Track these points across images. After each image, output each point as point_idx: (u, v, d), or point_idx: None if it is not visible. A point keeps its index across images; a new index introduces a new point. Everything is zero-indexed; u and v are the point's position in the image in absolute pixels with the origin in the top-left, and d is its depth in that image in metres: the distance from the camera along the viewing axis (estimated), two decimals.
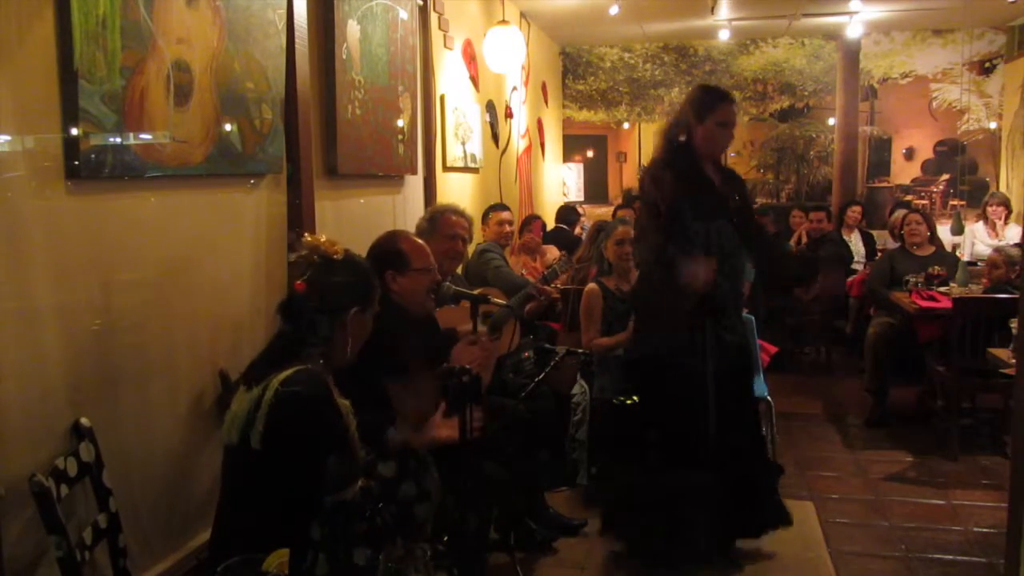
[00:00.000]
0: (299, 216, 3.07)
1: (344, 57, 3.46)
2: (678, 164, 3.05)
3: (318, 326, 1.99)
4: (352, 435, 1.96)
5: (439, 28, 4.85)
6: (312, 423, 1.86)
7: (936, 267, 5.07)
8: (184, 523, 2.47)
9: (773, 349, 4.57)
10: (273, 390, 1.84)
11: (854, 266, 6.76)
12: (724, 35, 8.00)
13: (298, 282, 2.03)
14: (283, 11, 2.90)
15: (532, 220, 6.06)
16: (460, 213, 3.49)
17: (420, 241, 2.83)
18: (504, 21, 5.68)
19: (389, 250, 2.70)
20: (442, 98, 4.88)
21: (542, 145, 8.08)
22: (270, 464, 1.83)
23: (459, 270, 4.02)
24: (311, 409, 1.86)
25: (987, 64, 8.32)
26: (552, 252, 5.69)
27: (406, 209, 4.23)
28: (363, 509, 1.81)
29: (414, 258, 2.70)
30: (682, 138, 3.09)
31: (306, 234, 2.19)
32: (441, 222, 3.42)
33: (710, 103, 3.08)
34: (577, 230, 7.23)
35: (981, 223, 6.89)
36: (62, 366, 2.02)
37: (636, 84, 9.11)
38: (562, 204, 7.79)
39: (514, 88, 6.75)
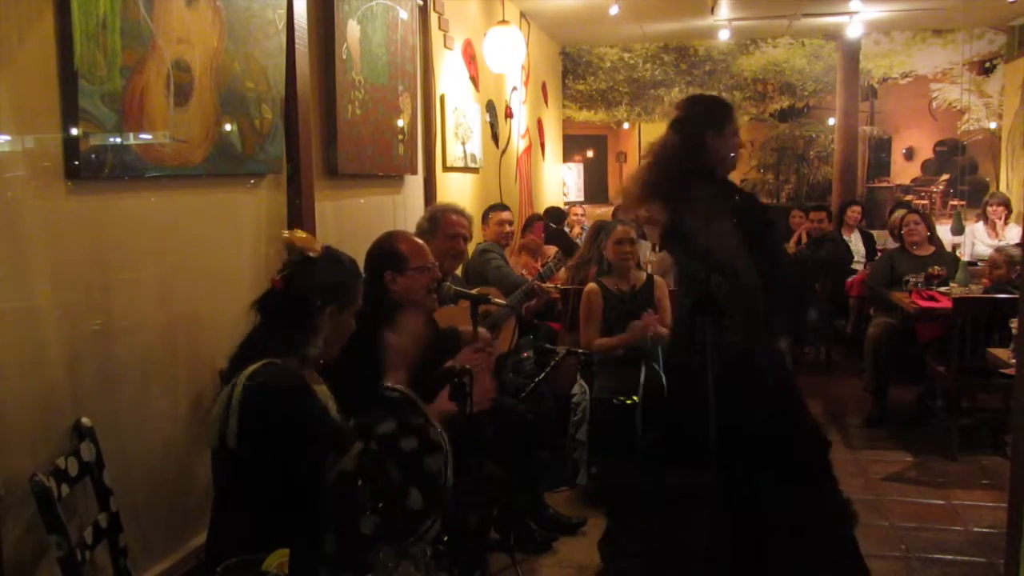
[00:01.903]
0: (299, 216, 3.07)
1: (344, 57, 3.46)
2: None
3: (293, 324, 1.97)
4: (329, 416, 1.95)
5: (439, 28, 4.85)
6: (282, 412, 1.84)
7: (936, 267, 5.07)
8: (184, 523, 2.47)
9: None
10: (241, 386, 1.83)
11: (854, 266, 6.76)
12: (724, 35, 8.00)
13: (275, 277, 2.03)
14: (283, 11, 2.90)
15: (534, 221, 6.05)
16: (460, 212, 3.49)
17: (418, 240, 2.82)
18: (504, 21, 5.69)
19: (387, 251, 2.69)
20: (442, 98, 4.88)
21: (542, 145, 8.08)
22: (249, 460, 1.83)
23: (459, 270, 4.02)
24: (279, 399, 1.85)
25: (987, 64, 8.32)
26: (553, 252, 5.69)
27: (406, 209, 4.24)
28: (363, 472, 1.78)
29: (412, 257, 2.69)
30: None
31: (285, 231, 2.17)
32: (442, 222, 3.42)
33: (727, 113, 2.93)
34: (576, 230, 7.23)
35: (981, 223, 6.89)
36: (62, 366, 2.02)
37: (636, 84, 9.11)
38: (549, 206, 7.77)
39: (514, 88, 6.75)
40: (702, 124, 2.86)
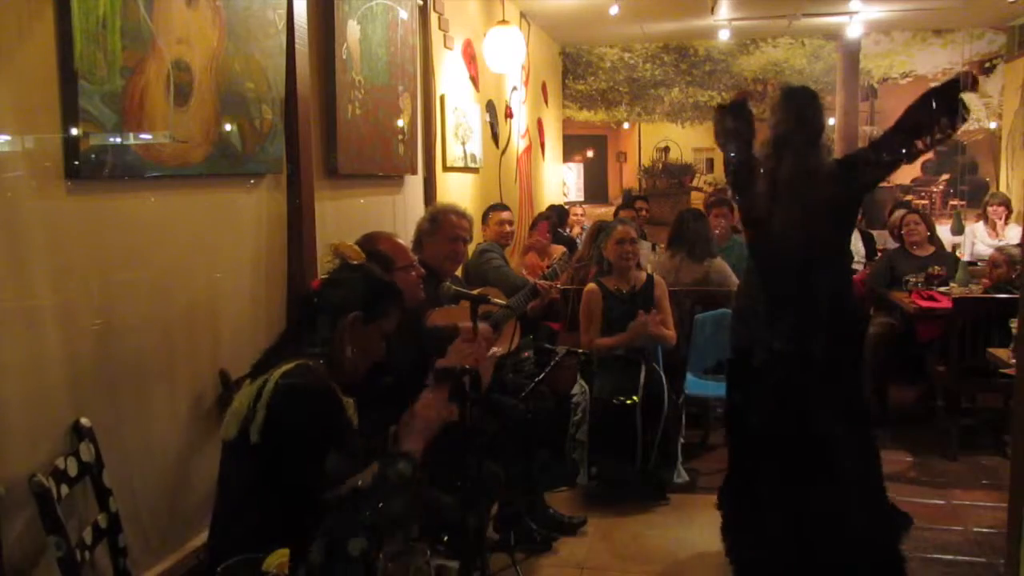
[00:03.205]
0: (299, 216, 3.07)
1: (344, 57, 3.46)
2: None
3: (318, 323, 2.00)
4: (353, 431, 1.97)
5: (439, 28, 4.85)
6: (311, 416, 1.86)
7: (936, 267, 5.07)
8: (184, 523, 2.47)
9: None
10: (273, 382, 1.84)
11: (854, 266, 6.75)
12: (724, 35, 8.00)
13: (315, 280, 2.07)
14: (283, 11, 2.90)
15: (539, 221, 6.06)
16: (462, 215, 3.49)
17: (399, 240, 2.85)
18: (504, 21, 5.69)
19: (370, 253, 2.70)
20: (442, 98, 4.88)
21: (542, 145, 8.08)
22: (268, 457, 1.83)
23: (459, 271, 4.02)
24: (310, 402, 1.86)
25: (987, 64, 8.32)
26: (560, 252, 5.67)
27: (406, 209, 4.23)
28: (360, 503, 1.80)
29: (396, 257, 2.72)
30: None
31: (333, 240, 2.22)
32: (444, 223, 3.41)
33: None
34: (576, 230, 7.22)
35: (981, 223, 6.89)
36: (62, 366, 2.02)
37: (636, 84, 9.11)
38: (551, 204, 7.76)
39: (514, 88, 6.75)
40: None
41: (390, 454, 1.91)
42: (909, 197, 8.38)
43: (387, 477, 1.84)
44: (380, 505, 1.79)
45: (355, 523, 1.76)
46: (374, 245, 2.74)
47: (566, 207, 7.62)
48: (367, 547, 1.74)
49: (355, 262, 2.12)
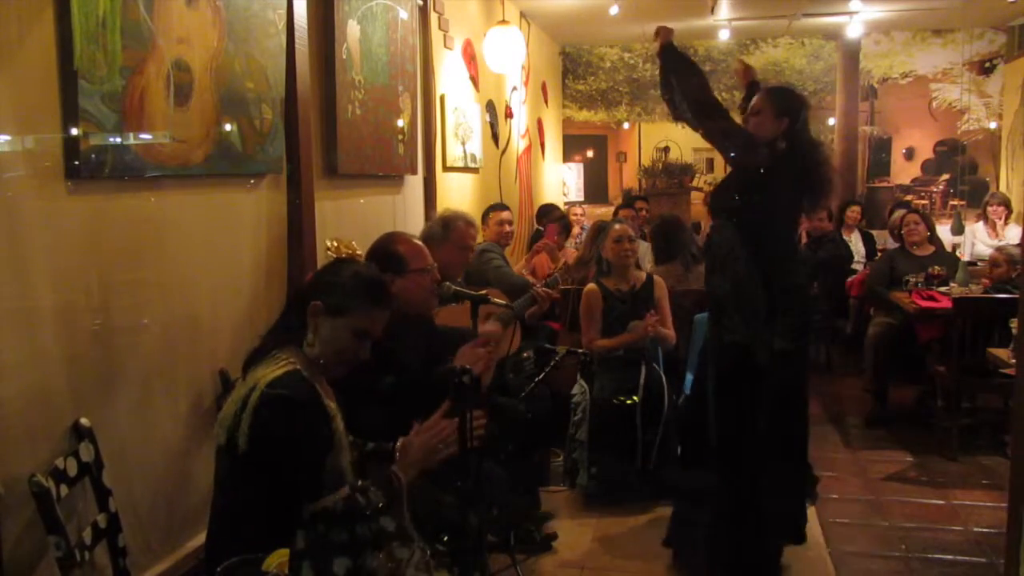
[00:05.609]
0: (299, 216, 3.07)
1: (344, 57, 3.46)
2: None
3: (291, 312, 2.03)
4: (339, 439, 1.96)
5: (439, 28, 4.85)
6: (294, 428, 1.84)
7: (936, 267, 5.07)
8: (184, 523, 2.47)
9: None
10: (260, 391, 1.83)
11: (854, 266, 6.75)
12: (724, 35, 8.00)
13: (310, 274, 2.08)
14: (283, 11, 2.91)
15: (548, 224, 6.04)
16: (470, 222, 3.49)
17: (417, 242, 2.82)
18: (504, 21, 5.69)
19: (386, 253, 2.67)
20: (442, 98, 4.88)
21: (542, 145, 8.08)
22: (256, 465, 1.82)
23: None
24: (294, 414, 1.84)
25: (987, 64, 8.32)
26: (571, 255, 5.63)
27: (406, 209, 4.24)
28: (346, 518, 1.77)
29: (412, 259, 2.68)
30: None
31: (330, 240, 2.19)
32: (455, 231, 3.40)
33: None
34: (576, 230, 7.20)
35: (981, 223, 6.89)
36: (62, 366, 2.02)
37: (636, 84, 9.11)
38: (540, 205, 7.69)
39: (514, 88, 6.75)
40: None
41: (363, 484, 1.85)
42: (909, 197, 8.38)
43: (357, 501, 1.80)
44: (353, 527, 1.77)
45: (331, 544, 1.74)
46: (391, 245, 2.71)
47: (565, 208, 7.58)
48: (351, 566, 1.73)
49: (345, 255, 2.10)
